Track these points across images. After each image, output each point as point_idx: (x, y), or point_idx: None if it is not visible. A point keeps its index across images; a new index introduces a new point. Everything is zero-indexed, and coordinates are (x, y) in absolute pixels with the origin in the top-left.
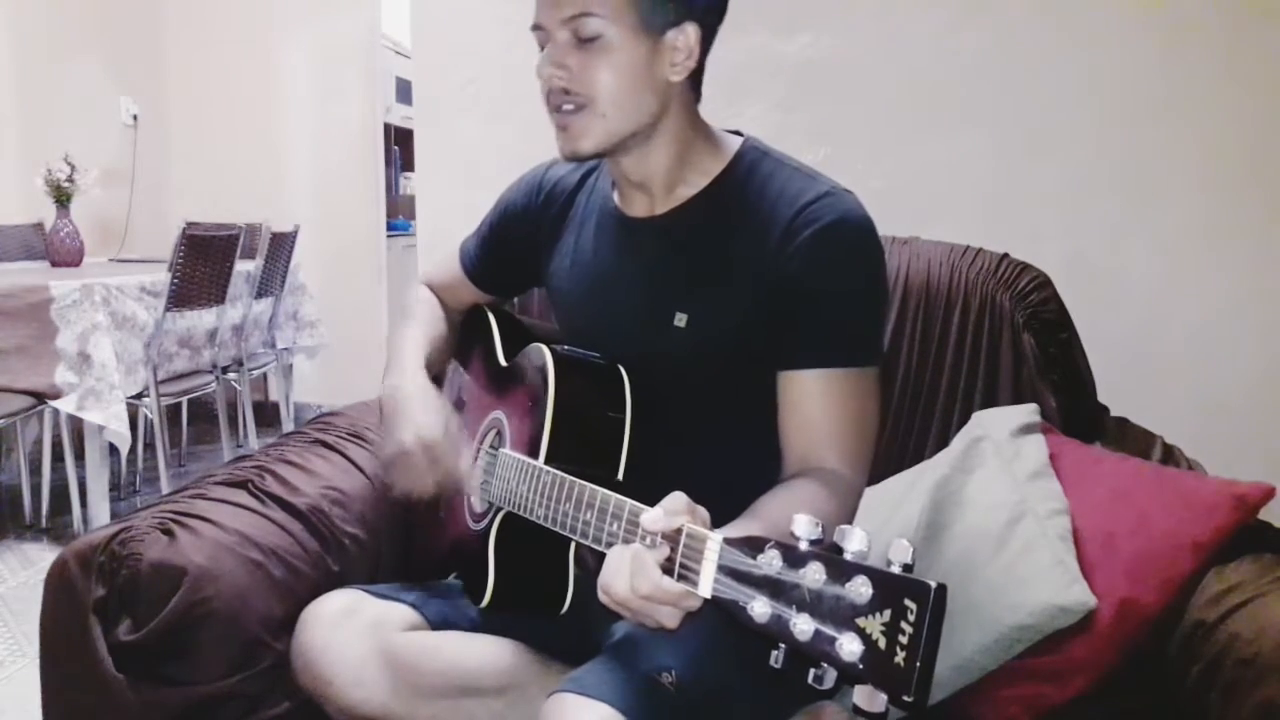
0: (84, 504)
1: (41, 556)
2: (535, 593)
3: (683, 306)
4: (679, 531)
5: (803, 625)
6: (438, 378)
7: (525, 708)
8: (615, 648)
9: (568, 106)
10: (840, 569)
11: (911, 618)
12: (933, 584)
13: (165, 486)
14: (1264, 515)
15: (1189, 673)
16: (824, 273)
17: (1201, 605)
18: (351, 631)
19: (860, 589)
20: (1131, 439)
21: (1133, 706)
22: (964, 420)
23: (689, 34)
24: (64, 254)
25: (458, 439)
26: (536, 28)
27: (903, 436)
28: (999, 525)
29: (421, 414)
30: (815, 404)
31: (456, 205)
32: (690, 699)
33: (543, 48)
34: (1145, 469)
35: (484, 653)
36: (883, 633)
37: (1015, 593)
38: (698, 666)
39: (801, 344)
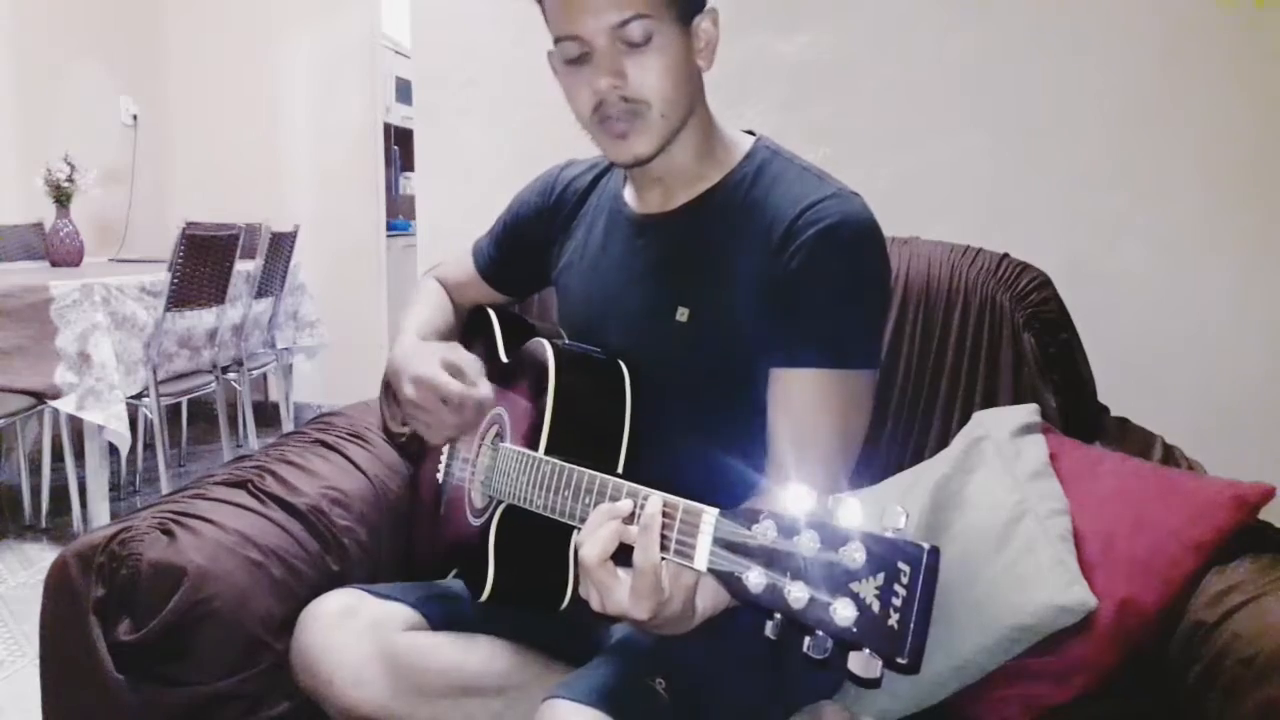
0: (84, 504)
1: (41, 556)
2: (535, 587)
3: (684, 301)
4: (675, 507)
5: (797, 593)
6: None
7: (525, 707)
8: (609, 652)
9: (626, 115)
10: (834, 535)
11: (905, 580)
12: (925, 545)
13: (165, 486)
14: (1264, 515)
15: (1189, 673)
16: (822, 273)
17: (1202, 605)
18: (351, 632)
19: (854, 554)
20: (1132, 439)
21: (1133, 707)
22: (964, 420)
23: (710, 18)
24: (64, 254)
25: (463, 372)
26: (570, 39)
27: (903, 436)
28: (999, 525)
29: (416, 364)
30: (802, 403)
31: (456, 205)
32: (683, 704)
33: (571, 60)
34: (1145, 469)
35: (484, 653)
36: (876, 596)
37: (1015, 593)
38: (691, 672)
39: (794, 342)
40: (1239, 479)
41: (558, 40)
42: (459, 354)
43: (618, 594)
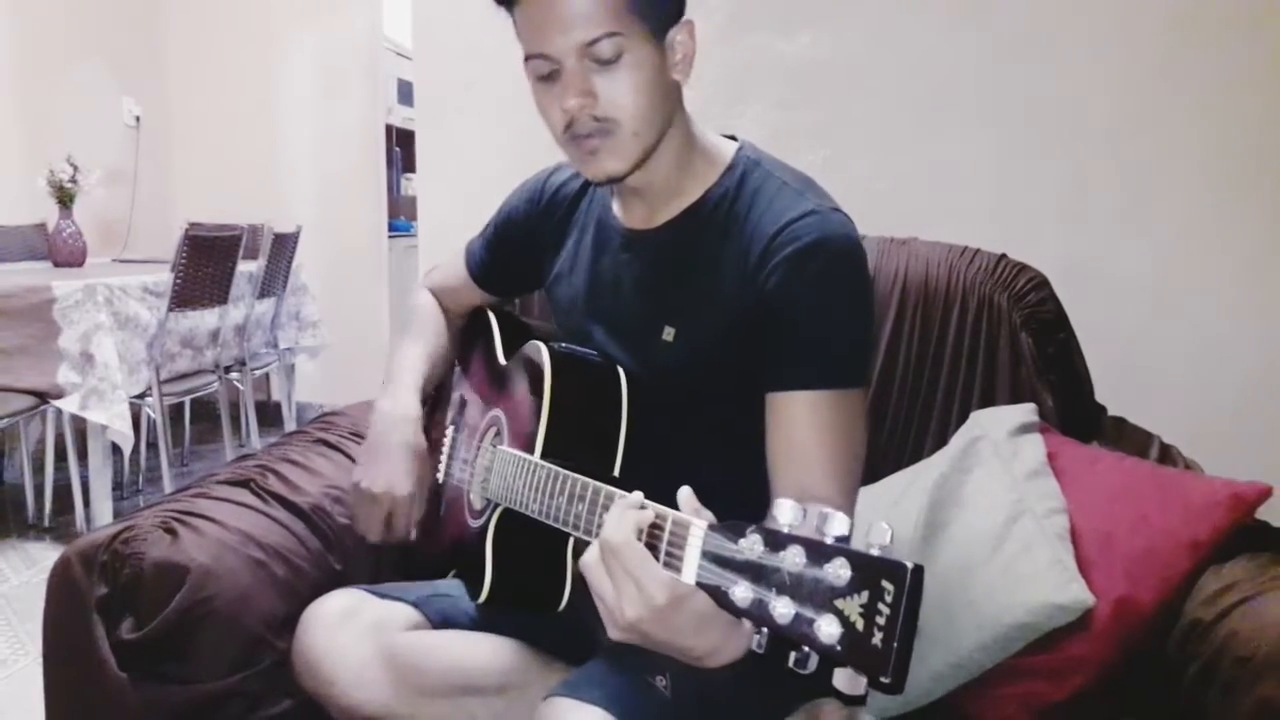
0: (87, 503)
1: (44, 556)
2: (533, 589)
3: (670, 320)
4: (665, 518)
5: (782, 608)
6: (440, 388)
7: (526, 707)
8: (610, 650)
9: (597, 133)
10: (820, 551)
11: (889, 598)
12: (909, 564)
13: (168, 486)
14: (1261, 514)
15: (1187, 671)
16: (801, 293)
17: (1199, 604)
18: (353, 632)
19: (839, 571)
20: (1129, 438)
21: (1131, 705)
22: (962, 420)
23: (686, 30)
24: (67, 254)
25: (423, 496)
26: (540, 57)
27: (901, 436)
28: (997, 524)
29: (399, 463)
30: (801, 426)
31: (457, 206)
32: (684, 702)
33: (542, 77)
34: (1143, 468)
35: (485, 652)
36: (861, 614)
37: (1013, 591)
38: (692, 670)
39: (783, 363)
40: (1236, 478)
41: (528, 58)
42: (430, 482)
43: (646, 573)
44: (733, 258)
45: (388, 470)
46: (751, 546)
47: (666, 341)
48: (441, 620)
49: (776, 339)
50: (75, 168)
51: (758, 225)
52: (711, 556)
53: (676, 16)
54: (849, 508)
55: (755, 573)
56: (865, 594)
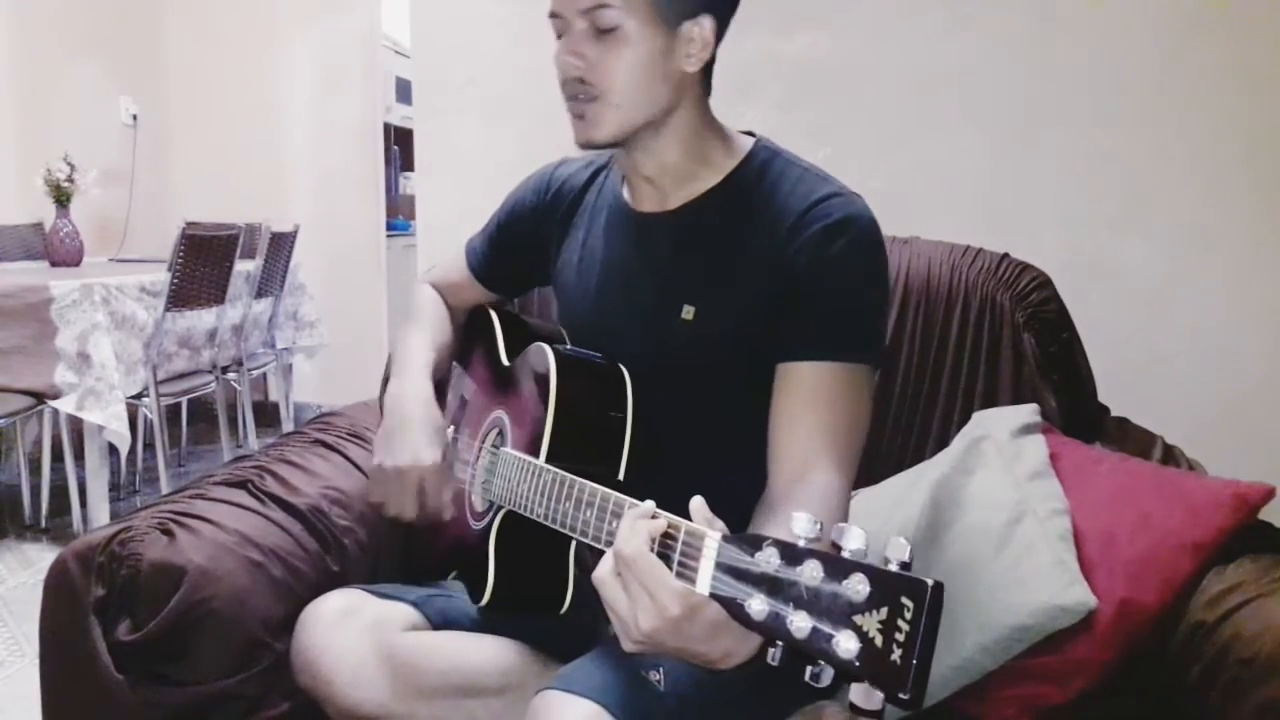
0: (84, 504)
1: (41, 557)
2: (535, 592)
3: (689, 299)
4: (677, 528)
5: (800, 622)
6: (444, 380)
7: (525, 708)
8: (607, 645)
9: (583, 96)
10: (838, 567)
11: (908, 615)
12: (930, 581)
13: (165, 487)
14: (1264, 515)
15: (1189, 673)
16: (828, 267)
17: (1202, 605)
18: (351, 631)
19: (857, 586)
20: (1132, 439)
21: (1133, 707)
22: (964, 420)
23: (704, 25)
24: (63, 254)
25: (450, 468)
26: (554, 15)
27: (903, 436)
28: (999, 525)
29: (421, 436)
30: (806, 395)
31: (456, 205)
32: (681, 697)
33: (559, 36)
34: (1146, 469)
35: (485, 652)
36: (879, 630)
37: (1015, 593)
38: (690, 665)
39: (797, 334)
40: (1239, 479)
41: (549, 16)
42: (456, 455)
43: (660, 584)
44: (757, 235)
45: (411, 443)
46: (768, 560)
47: (686, 320)
48: (441, 620)
49: (795, 311)
50: (72, 167)
51: (784, 204)
52: (726, 568)
53: (695, 11)
54: (844, 483)
55: (772, 586)
56: (884, 610)
